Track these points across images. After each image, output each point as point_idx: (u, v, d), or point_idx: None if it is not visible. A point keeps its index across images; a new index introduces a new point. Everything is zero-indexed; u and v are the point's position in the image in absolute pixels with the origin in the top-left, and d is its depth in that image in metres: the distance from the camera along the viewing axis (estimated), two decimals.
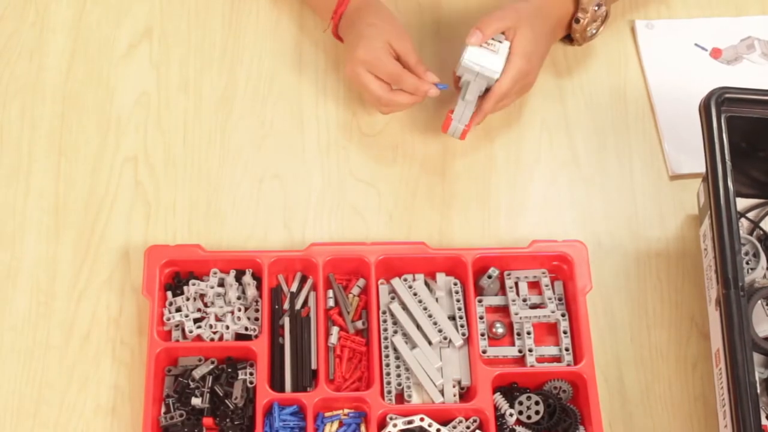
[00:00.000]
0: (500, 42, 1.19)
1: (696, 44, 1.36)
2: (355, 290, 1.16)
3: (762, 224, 1.21)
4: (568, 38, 1.32)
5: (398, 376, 1.12)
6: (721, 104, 1.10)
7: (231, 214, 1.22)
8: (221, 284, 1.15)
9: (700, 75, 1.33)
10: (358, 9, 1.24)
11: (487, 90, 1.20)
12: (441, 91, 1.20)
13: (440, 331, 1.13)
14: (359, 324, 1.15)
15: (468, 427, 1.08)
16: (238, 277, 1.16)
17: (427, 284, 1.17)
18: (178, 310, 1.14)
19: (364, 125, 1.28)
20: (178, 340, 1.13)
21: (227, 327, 1.12)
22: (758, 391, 1.03)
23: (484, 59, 1.18)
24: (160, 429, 1.08)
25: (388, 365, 1.12)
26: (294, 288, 1.16)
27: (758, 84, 1.24)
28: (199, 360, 1.11)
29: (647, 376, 1.16)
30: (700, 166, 1.13)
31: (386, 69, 1.18)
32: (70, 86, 1.29)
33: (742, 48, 1.36)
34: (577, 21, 1.27)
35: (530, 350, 1.14)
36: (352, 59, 1.19)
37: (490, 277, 1.17)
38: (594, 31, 1.30)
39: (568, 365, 1.13)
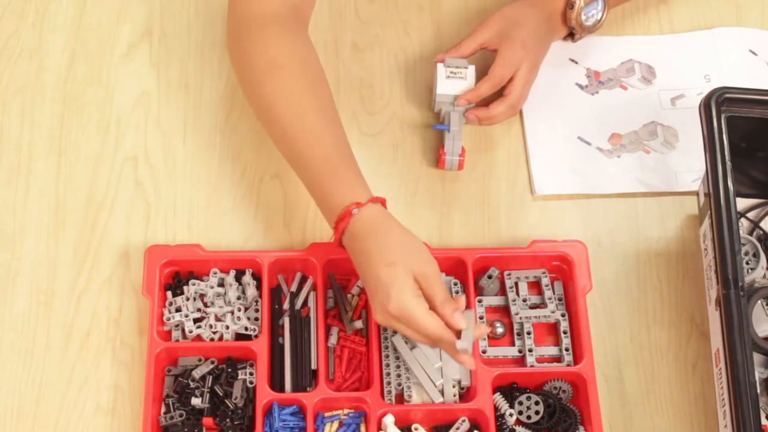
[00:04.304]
0: (465, 68, 1.23)
1: (571, 59, 1.32)
2: (355, 290, 1.16)
3: (762, 224, 1.21)
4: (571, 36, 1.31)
5: (398, 376, 1.12)
6: (721, 104, 1.10)
7: (231, 214, 1.22)
8: (221, 284, 1.15)
9: (576, 101, 1.29)
10: (368, 231, 1.05)
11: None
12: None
13: None
14: (359, 324, 1.15)
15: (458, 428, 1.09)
16: (238, 277, 1.16)
17: None
18: (178, 310, 1.14)
19: (364, 125, 1.28)
20: (178, 340, 1.13)
21: (227, 327, 1.12)
22: (758, 391, 1.03)
23: (454, 87, 1.23)
24: (160, 429, 1.08)
25: (387, 365, 1.12)
26: (294, 288, 1.16)
27: (637, 109, 1.27)
28: (199, 360, 1.11)
29: (647, 376, 1.16)
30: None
31: (424, 328, 1.01)
32: (70, 86, 1.29)
33: (621, 71, 1.31)
34: (572, 6, 1.25)
35: (530, 350, 1.14)
36: (383, 311, 1.02)
37: (490, 277, 1.17)
38: (590, 22, 1.27)
39: (568, 365, 1.13)
